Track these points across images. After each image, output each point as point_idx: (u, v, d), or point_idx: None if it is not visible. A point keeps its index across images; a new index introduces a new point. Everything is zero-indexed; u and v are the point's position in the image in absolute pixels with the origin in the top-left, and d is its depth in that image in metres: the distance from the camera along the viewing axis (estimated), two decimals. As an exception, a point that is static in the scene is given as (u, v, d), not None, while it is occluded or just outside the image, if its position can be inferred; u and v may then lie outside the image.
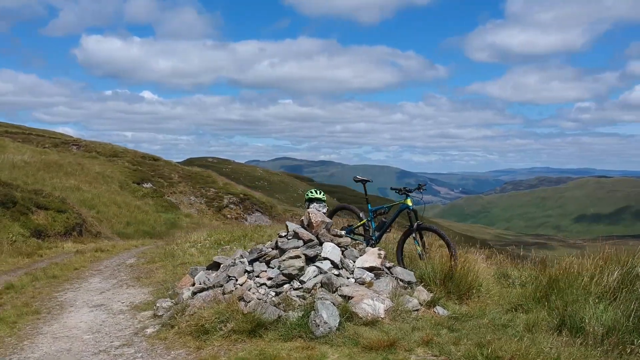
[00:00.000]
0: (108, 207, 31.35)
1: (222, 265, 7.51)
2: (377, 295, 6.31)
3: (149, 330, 6.65)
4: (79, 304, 8.32)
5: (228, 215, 44.19)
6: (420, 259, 8.04)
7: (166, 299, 7.46)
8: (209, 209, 45.25)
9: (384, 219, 8.56)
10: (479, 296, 7.23)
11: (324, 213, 7.74)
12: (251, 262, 7.19)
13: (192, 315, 6.41)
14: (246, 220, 43.62)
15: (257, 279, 6.78)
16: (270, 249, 7.34)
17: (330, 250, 6.97)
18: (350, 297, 6.24)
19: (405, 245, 8.28)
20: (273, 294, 6.45)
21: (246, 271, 7.01)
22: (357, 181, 9.10)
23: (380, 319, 5.96)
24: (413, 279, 7.20)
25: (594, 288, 6.18)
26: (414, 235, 8.01)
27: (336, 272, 6.80)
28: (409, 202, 8.14)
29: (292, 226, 7.51)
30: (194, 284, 7.54)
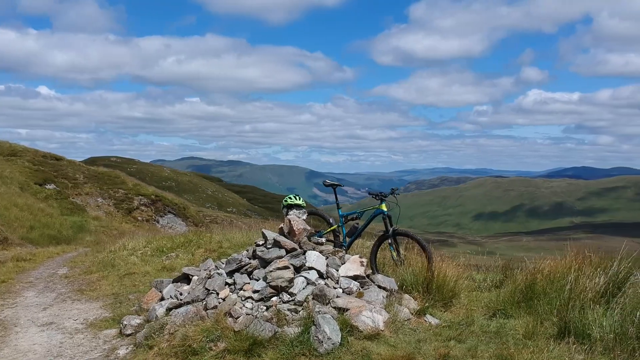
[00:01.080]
0: (9, 210, 29.04)
1: (196, 278, 6.97)
2: (372, 306, 6.06)
3: (122, 352, 6.04)
4: (23, 323, 7.46)
5: (139, 218, 42.44)
6: (396, 265, 7.90)
7: (133, 316, 6.82)
8: (118, 211, 43.19)
9: (356, 225, 8.34)
10: (458, 302, 7.18)
11: (304, 220, 7.39)
12: (230, 274, 6.72)
13: (173, 333, 5.87)
14: (158, 222, 42.16)
15: (241, 292, 6.33)
16: (248, 259, 6.91)
17: (315, 259, 6.65)
18: (345, 309, 5.95)
19: (379, 251, 8.10)
20: (264, 308, 6.03)
21: (227, 284, 6.54)
22: (327, 185, 8.82)
23: (380, 331, 5.72)
24: (394, 287, 7.02)
25: (584, 292, 6.24)
26: (389, 241, 7.85)
27: (322, 282, 6.49)
28: (384, 207, 7.98)
29: (270, 234, 7.11)
30: (162, 299, 6.97)
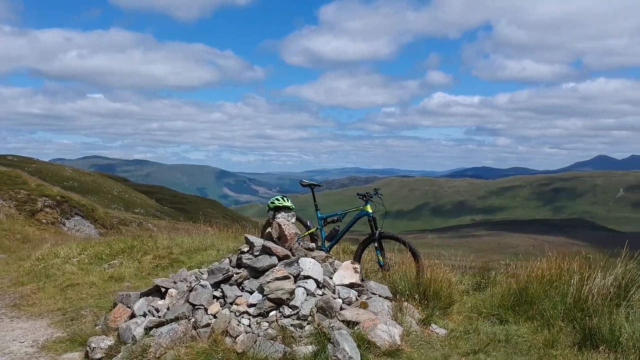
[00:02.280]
0: None
1: (174, 292, 6.15)
2: (385, 318, 5.54)
3: (98, 382, 5.15)
4: (-46, 352, 6.31)
5: (43, 220, 39.67)
6: (382, 270, 7.44)
7: (101, 337, 5.88)
8: (20, 214, 40.11)
9: (336, 227, 7.79)
10: (454, 308, 6.82)
11: (293, 223, 6.75)
12: (216, 286, 5.96)
13: (160, 357, 5.06)
14: (64, 225, 39.63)
15: (233, 306, 5.60)
16: (232, 268, 6.17)
17: (311, 267, 6.03)
18: (354, 323, 5.39)
19: (363, 255, 7.61)
20: (266, 325, 5.33)
21: (215, 297, 5.78)
22: (304, 185, 8.21)
23: (399, 346, 5.21)
24: (388, 294, 6.53)
25: (592, 295, 6.04)
26: (375, 244, 7.37)
27: (320, 292, 5.89)
28: (369, 209, 7.50)
29: (257, 240, 6.42)
30: (133, 315, 6.08)
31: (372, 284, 6.57)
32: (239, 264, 6.25)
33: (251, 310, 5.51)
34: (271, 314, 5.47)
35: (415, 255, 7.14)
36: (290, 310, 5.47)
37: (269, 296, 5.51)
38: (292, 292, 5.55)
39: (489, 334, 5.97)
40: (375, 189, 7.85)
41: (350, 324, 5.39)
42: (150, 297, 6.36)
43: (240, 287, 5.86)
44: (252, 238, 6.49)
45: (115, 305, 6.60)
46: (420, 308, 6.37)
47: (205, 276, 6.34)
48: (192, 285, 6.07)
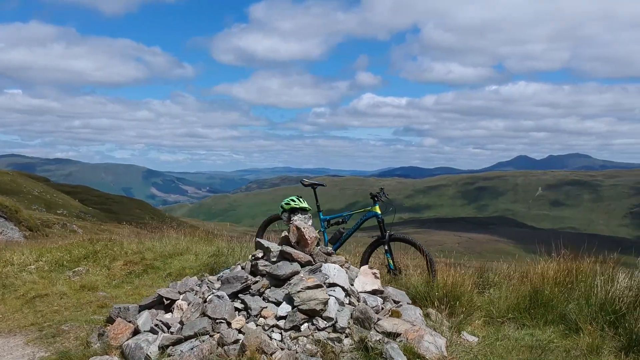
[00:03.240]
0: None
1: (184, 304, 5.50)
2: (429, 329, 5.15)
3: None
4: None
5: (-39, 222, 37.05)
6: (392, 273, 7.06)
7: (103, 357, 5.16)
8: None
9: (341, 230, 7.34)
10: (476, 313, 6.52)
11: (312, 226, 6.24)
12: (233, 296, 5.38)
13: (186, 380, 4.46)
14: (-16, 228, 37.11)
15: (260, 319, 5.04)
16: (248, 276, 5.60)
17: (336, 273, 5.56)
18: (396, 334, 4.97)
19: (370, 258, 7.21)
20: (304, 340, 4.80)
21: (236, 309, 5.20)
22: (306, 185, 7.71)
23: (445, 358, 4.83)
24: (407, 300, 6.16)
25: (621, 298, 5.89)
26: (385, 247, 6.99)
27: (347, 300, 5.43)
28: (378, 210, 7.10)
29: (271, 244, 5.88)
30: (136, 331, 5.40)
31: (390, 290, 6.17)
32: (254, 272, 5.69)
33: (281, 323, 4.98)
34: (303, 327, 4.96)
35: (427, 259, 6.82)
36: (325, 322, 4.98)
37: (300, 307, 4.99)
38: (326, 302, 5.05)
39: (518, 340, 5.72)
40: (381, 188, 7.46)
41: (390, 335, 4.96)
42: (154, 310, 5.69)
43: (263, 298, 5.31)
44: (266, 243, 5.96)
45: (110, 319, 5.88)
46: (444, 314, 6.03)
47: (217, 285, 5.73)
48: (206, 296, 5.46)
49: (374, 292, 5.82)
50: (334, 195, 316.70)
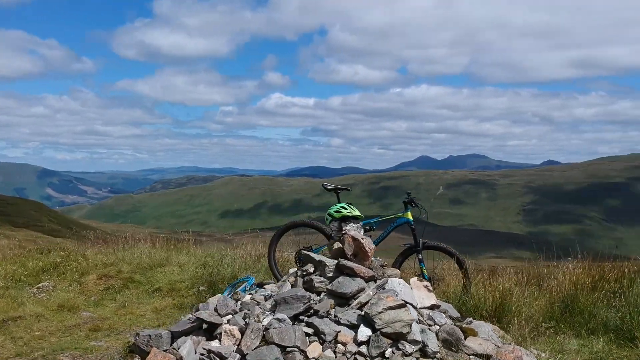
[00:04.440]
0: None
1: (234, 328, 4.72)
2: (524, 350, 4.71)
3: None
4: None
5: None
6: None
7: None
8: None
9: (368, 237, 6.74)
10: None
11: (370, 237, 5.62)
12: (295, 319, 4.69)
13: None
14: None
15: (338, 346, 4.40)
16: (311, 295, 4.91)
17: (402, 289, 5.02)
18: (487, 356, 4.51)
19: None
20: (400, 369, 4.22)
21: (307, 334, 4.52)
22: (329, 189, 7.05)
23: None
24: (456, 314, 5.72)
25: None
26: (420, 256, 6.51)
27: (416, 317, 4.91)
28: (410, 216, 6.60)
29: (325, 258, 5.23)
30: (181, 363, 4.58)
31: (443, 304, 5.70)
32: (309, 288, 5.03)
33: (363, 349, 4.37)
34: (387, 352, 4.38)
35: (463, 268, 6.43)
36: (412, 346, 4.42)
37: (383, 330, 4.41)
38: (410, 324, 4.49)
39: (580, 353, 5.46)
40: (408, 192, 6.96)
41: (482, 357, 4.49)
42: (194, 337, 4.87)
43: (334, 320, 4.67)
44: (317, 256, 5.30)
45: (135, 348, 4.99)
46: (504, 330, 5.65)
47: (268, 305, 5.01)
48: (261, 319, 4.74)
49: (432, 307, 5.34)
50: (242, 194, 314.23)
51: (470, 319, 5.31)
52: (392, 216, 6.74)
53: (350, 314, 4.67)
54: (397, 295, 4.88)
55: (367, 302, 4.70)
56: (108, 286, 8.09)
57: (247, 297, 5.39)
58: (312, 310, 4.76)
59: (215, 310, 5.09)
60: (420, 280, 5.66)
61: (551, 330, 6.07)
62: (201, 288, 7.60)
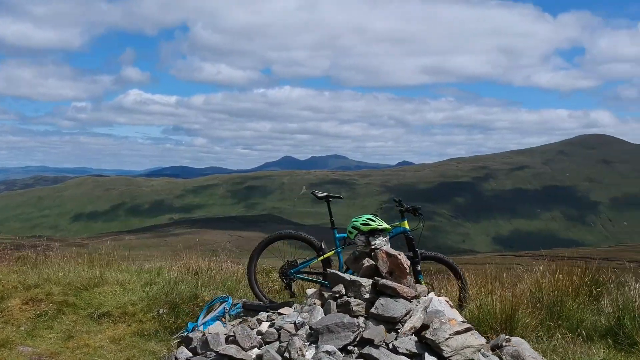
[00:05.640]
0: None
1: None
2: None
3: None
4: None
5: None
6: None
7: None
8: None
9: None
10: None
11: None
12: (344, 350, 4.08)
13: None
14: None
15: (406, 380, 3.87)
16: (360, 322, 4.30)
17: (444, 309, 4.61)
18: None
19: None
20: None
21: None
22: (319, 197, 6.39)
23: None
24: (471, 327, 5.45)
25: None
26: (418, 267, 6.13)
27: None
28: (407, 225, 6.19)
29: (357, 278, 4.64)
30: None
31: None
32: (344, 313, 4.44)
33: (434, 382, 3.89)
34: (457, 382, 3.94)
35: (459, 279, 6.18)
36: (482, 376, 4.03)
37: (452, 358, 3.96)
38: (479, 350, 4.09)
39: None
40: (399, 200, 6.51)
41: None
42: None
43: (392, 349, 4.12)
44: (348, 275, 4.72)
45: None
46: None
47: (303, 333, 4.33)
48: (304, 352, 4.07)
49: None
50: (97, 196, 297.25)
51: (506, 336, 5.03)
52: (388, 227, 6.29)
53: (407, 342, 4.16)
54: (443, 316, 4.47)
55: (424, 326, 4.23)
56: (39, 312, 6.80)
57: (265, 326, 4.66)
58: (358, 339, 4.18)
59: (234, 341, 4.33)
60: (439, 296, 5.29)
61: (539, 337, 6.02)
62: (161, 311, 6.62)
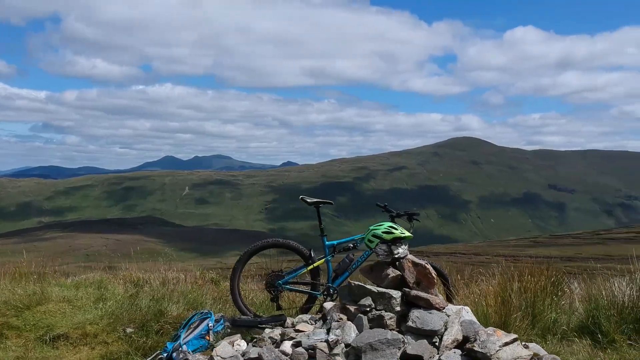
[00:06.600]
0: None
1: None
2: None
3: None
4: None
5: None
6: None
7: None
8: None
9: (351, 257, 5.87)
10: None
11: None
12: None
13: None
14: None
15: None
16: (403, 338, 4.02)
17: (471, 317, 4.46)
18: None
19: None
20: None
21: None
22: (309, 203, 5.97)
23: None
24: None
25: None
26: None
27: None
28: (397, 230, 5.96)
29: (385, 290, 4.37)
30: None
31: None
32: (377, 327, 4.16)
33: (492, 396, 3.73)
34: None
35: (447, 283, 6.10)
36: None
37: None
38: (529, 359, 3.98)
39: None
40: (383, 204, 6.25)
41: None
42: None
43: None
44: (375, 287, 4.43)
45: None
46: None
47: (339, 351, 3.98)
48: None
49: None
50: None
51: (523, 342, 4.98)
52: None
53: (452, 356, 3.96)
54: (479, 326, 4.34)
55: (465, 338, 4.06)
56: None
57: (287, 345, 4.25)
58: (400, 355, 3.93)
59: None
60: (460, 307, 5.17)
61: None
62: (128, 330, 5.91)
